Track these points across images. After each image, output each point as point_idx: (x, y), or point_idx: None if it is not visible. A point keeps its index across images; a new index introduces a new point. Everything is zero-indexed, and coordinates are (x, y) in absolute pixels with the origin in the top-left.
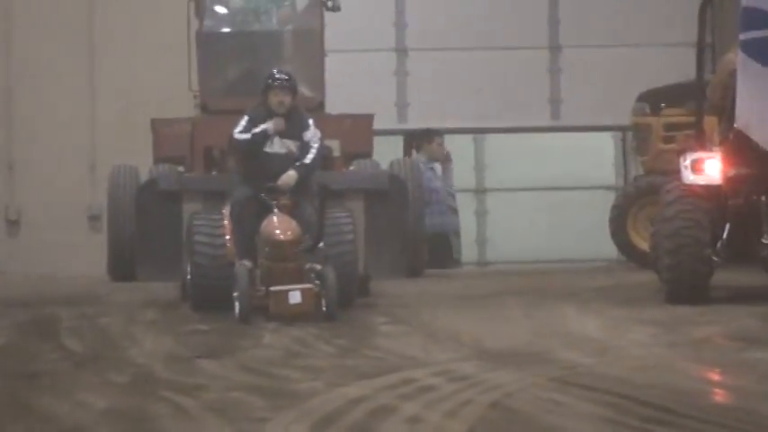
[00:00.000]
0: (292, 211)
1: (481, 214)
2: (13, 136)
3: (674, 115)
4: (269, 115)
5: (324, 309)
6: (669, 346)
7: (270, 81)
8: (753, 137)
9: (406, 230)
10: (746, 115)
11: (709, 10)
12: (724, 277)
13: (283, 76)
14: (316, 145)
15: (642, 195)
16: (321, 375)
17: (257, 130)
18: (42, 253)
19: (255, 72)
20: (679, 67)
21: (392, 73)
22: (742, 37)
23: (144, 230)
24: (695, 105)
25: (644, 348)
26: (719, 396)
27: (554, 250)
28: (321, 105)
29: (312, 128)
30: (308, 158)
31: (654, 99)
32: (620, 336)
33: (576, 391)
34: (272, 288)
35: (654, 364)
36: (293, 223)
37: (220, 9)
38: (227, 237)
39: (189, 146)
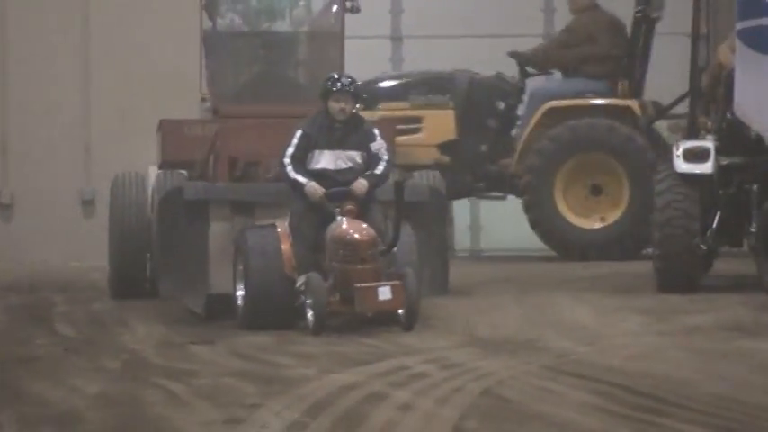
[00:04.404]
0: (359, 218)
1: (474, 202)
2: (7, 120)
3: (394, 110)
4: (328, 125)
5: (401, 314)
6: (660, 334)
7: (330, 85)
8: (751, 125)
9: (446, 245)
10: (744, 104)
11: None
12: (715, 266)
13: (346, 80)
14: (386, 156)
15: None
16: (313, 362)
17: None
18: (36, 238)
19: (270, 76)
20: (674, 57)
21: (387, 60)
22: (739, 26)
23: (166, 243)
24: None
25: (635, 337)
26: (710, 385)
27: None
28: None
29: (379, 139)
30: (379, 169)
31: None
32: (611, 324)
33: (568, 380)
34: (358, 285)
35: (645, 352)
36: (365, 225)
37: (233, 8)
38: (283, 249)
39: (199, 150)
